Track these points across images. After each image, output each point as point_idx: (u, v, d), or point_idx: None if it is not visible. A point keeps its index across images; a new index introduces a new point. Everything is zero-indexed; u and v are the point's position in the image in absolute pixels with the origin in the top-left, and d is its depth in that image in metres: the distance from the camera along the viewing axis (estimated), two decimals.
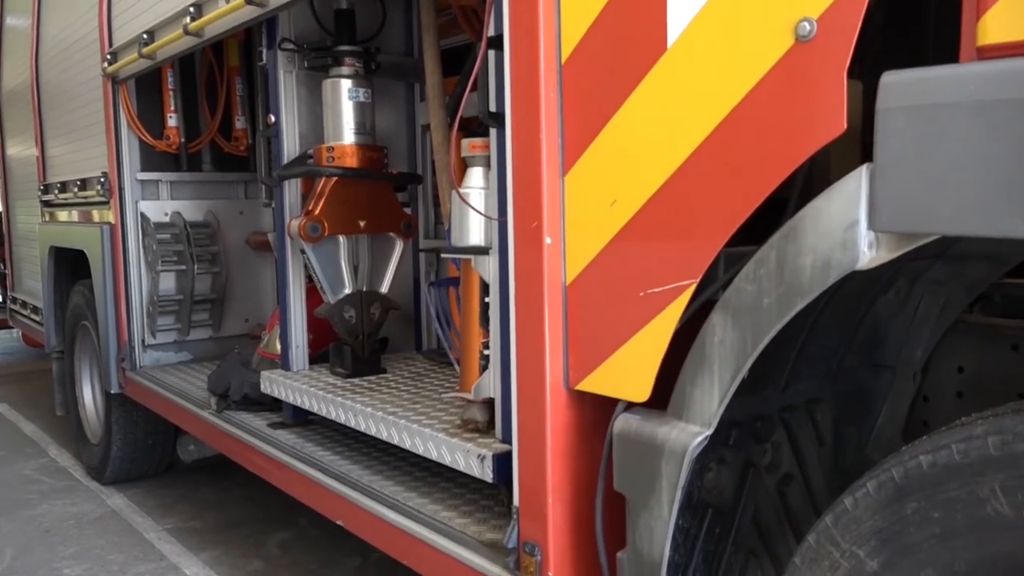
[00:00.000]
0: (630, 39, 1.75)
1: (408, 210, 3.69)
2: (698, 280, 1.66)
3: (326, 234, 3.23)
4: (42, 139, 6.08)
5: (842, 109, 1.40)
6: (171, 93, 4.78)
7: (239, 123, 5.00)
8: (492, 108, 2.19)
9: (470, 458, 2.33)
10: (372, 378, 3.33)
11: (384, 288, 3.46)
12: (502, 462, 2.24)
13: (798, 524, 2.03)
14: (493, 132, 2.27)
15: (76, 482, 5.52)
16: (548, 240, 1.92)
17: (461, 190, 2.43)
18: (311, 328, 3.52)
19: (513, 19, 1.96)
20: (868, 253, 1.38)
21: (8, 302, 7.49)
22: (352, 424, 2.87)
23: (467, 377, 2.47)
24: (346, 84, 3.26)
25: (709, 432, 1.65)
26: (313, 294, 3.48)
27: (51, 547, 4.50)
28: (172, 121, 4.79)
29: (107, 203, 4.84)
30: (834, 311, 1.84)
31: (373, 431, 2.76)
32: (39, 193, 6.07)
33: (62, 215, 5.74)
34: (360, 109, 3.29)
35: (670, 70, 1.68)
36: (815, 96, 1.44)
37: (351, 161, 3.25)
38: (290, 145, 3.40)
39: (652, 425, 1.75)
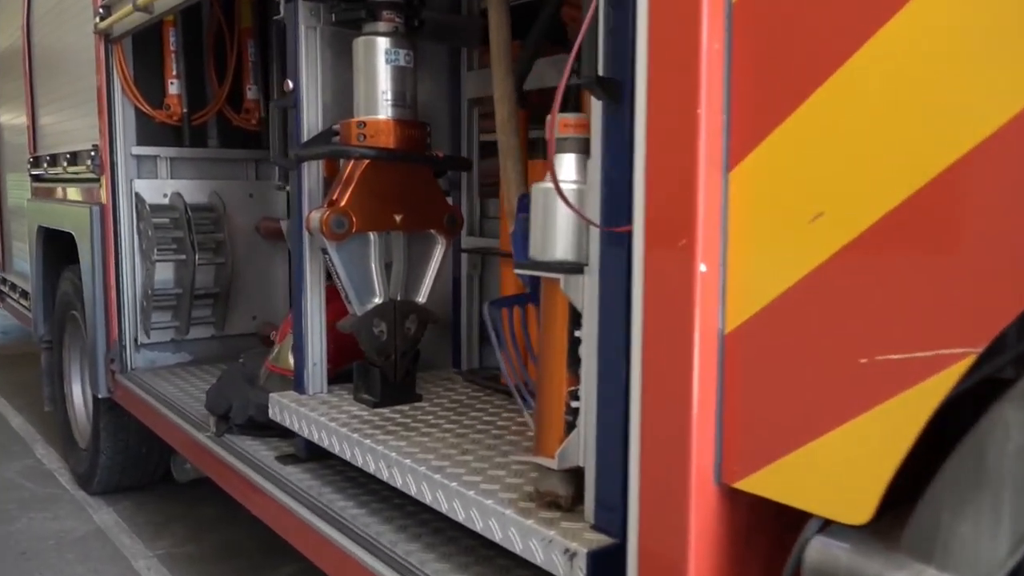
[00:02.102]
0: None
1: (449, 200, 3.04)
2: (982, 350, 1.02)
3: (354, 230, 2.60)
4: (33, 107, 5.46)
5: None
6: (173, 56, 4.14)
7: (251, 93, 4.36)
8: (601, 71, 1.57)
9: (552, 551, 1.71)
10: (406, 408, 2.71)
11: (422, 297, 2.83)
12: (601, 563, 1.62)
13: None
14: (596, 106, 1.63)
15: (61, 491, 4.94)
16: (703, 267, 1.29)
17: (547, 184, 1.79)
18: (332, 340, 2.90)
19: None
20: None
21: None
22: (384, 477, 2.25)
23: (545, 435, 1.84)
24: (383, 44, 2.62)
25: None
26: (334, 298, 2.86)
27: (26, 574, 3.92)
28: (174, 88, 4.16)
29: (98, 180, 4.22)
30: None
31: (413, 491, 2.14)
32: (28, 166, 5.46)
33: (54, 191, 5.13)
34: (400, 75, 2.65)
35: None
36: None
37: (387, 140, 2.61)
38: (311, 118, 2.76)
39: (877, 566, 1.12)
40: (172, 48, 4.12)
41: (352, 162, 2.64)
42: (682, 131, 1.28)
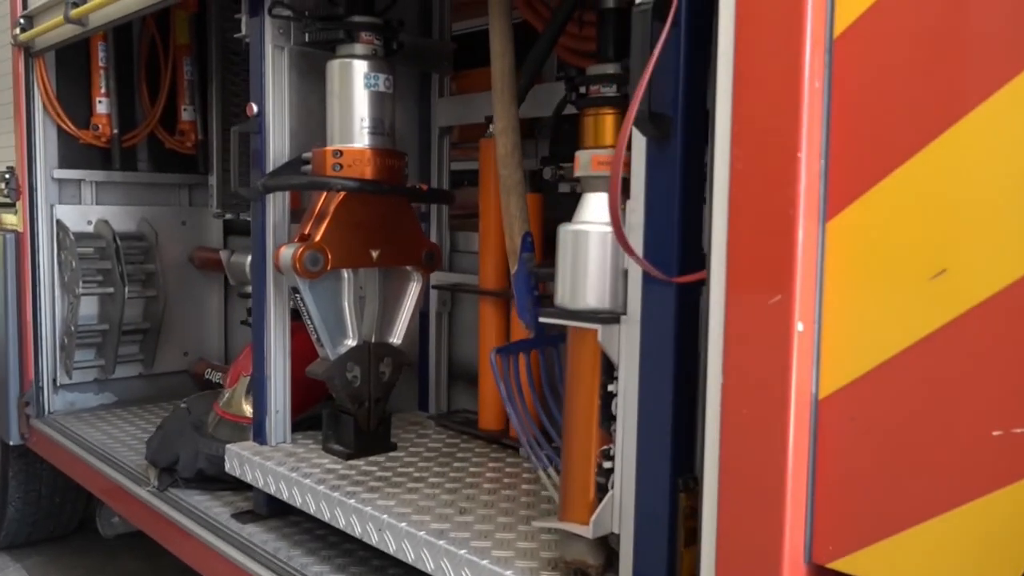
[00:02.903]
0: None
1: None
2: None
3: (329, 268, 2.39)
4: None
5: None
6: (102, 72, 3.82)
7: (186, 113, 4.07)
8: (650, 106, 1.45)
9: None
10: (382, 459, 2.50)
11: (396, 338, 2.63)
12: None
13: None
14: (640, 143, 1.51)
15: None
16: (800, 327, 1.17)
17: (577, 226, 1.65)
18: (292, 384, 2.67)
19: None
20: None
21: None
22: (373, 541, 2.05)
23: (573, 499, 1.68)
24: (361, 68, 2.43)
25: None
26: (297, 335, 2.63)
27: None
28: (102, 107, 3.84)
29: (13, 206, 3.85)
30: None
31: (410, 557, 1.94)
32: None
33: None
34: (379, 101, 2.46)
35: None
36: None
37: (365, 170, 2.42)
38: (277, 145, 2.55)
39: None
40: (101, 64, 3.80)
41: (325, 194, 2.44)
42: (779, 177, 1.16)
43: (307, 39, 2.45)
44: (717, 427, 1.27)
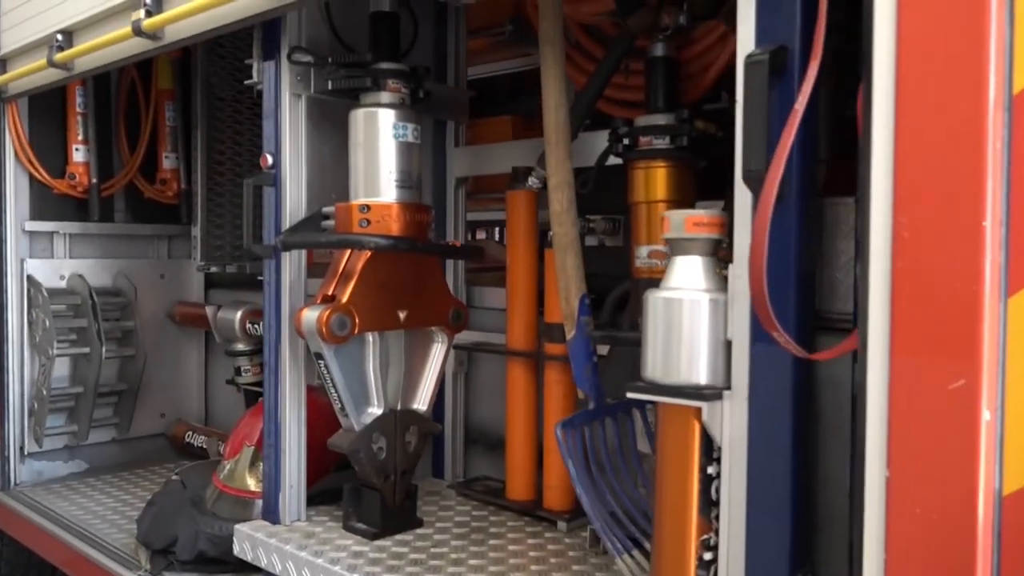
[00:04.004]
0: None
1: None
2: None
3: (356, 331, 2.21)
4: None
5: None
6: (80, 118, 3.59)
7: (167, 161, 3.86)
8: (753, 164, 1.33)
9: None
10: (410, 538, 2.30)
11: (422, 404, 2.45)
12: None
13: None
14: (744, 203, 1.39)
15: None
16: (987, 415, 1.04)
17: (668, 293, 1.51)
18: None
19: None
20: None
21: None
22: None
23: None
24: (389, 117, 2.28)
25: None
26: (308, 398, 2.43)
27: None
28: (79, 155, 3.60)
29: None
30: None
31: None
32: None
33: None
34: (407, 153, 2.31)
35: None
36: None
37: (393, 226, 2.26)
38: (293, 199, 2.37)
39: None
40: (80, 110, 3.58)
41: (350, 252, 2.27)
42: (961, 248, 1.04)
43: (330, 87, 2.29)
44: (880, 527, 1.13)
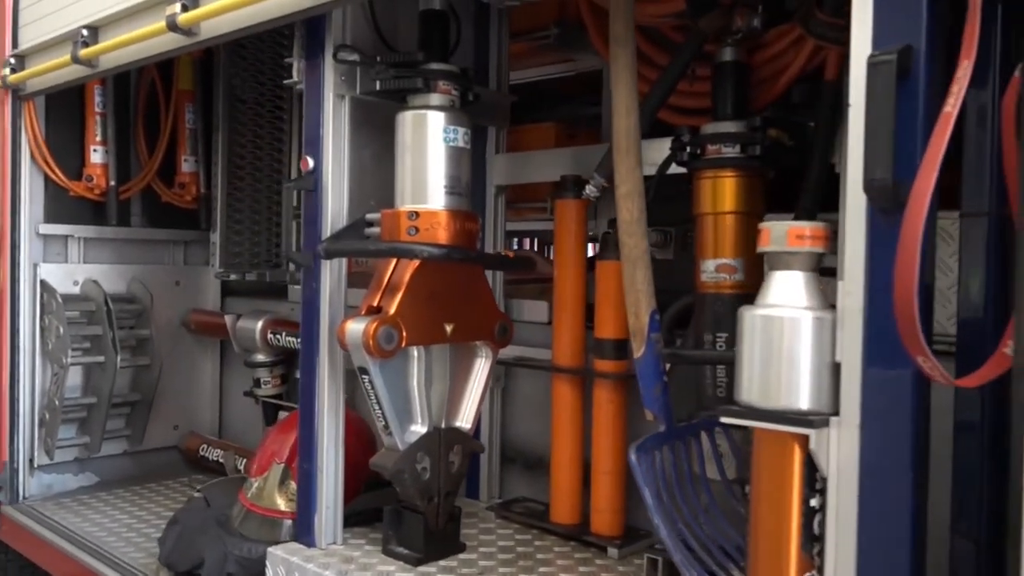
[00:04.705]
0: None
1: None
2: None
3: (403, 345, 2.09)
4: None
5: None
6: (98, 119, 3.47)
7: (186, 165, 3.74)
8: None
9: None
10: (454, 563, 2.19)
11: (465, 421, 2.33)
12: None
13: None
14: (857, 214, 1.28)
15: None
16: None
17: (766, 311, 1.40)
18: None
19: None
20: None
21: None
22: None
23: None
24: (438, 120, 2.18)
25: None
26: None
27: None
28: (97, 156, 3.48)
29: None
30: None
31: None
32: None
33: None
34: (456, 158, 2.21)
35: None
36: None
37: (443, 235, 2.15)
38: (335, 204, 2.26)
39: None
40: (98, 110, 3.46)
41: (396, 261, 2.16)
42: None
43: (378, 87, 2.18)
44: None
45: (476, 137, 2.72)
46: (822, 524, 1.37)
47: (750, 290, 1.98)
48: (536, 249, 5.56)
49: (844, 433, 1.33)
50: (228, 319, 3.52)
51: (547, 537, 2.42)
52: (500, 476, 2.79)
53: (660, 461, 1.77)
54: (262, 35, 3.46)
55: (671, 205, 2.23)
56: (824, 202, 2.00)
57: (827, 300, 1.40)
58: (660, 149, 2.13)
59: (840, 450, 1.33)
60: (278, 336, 3.35)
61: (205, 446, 3.72)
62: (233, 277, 3.61)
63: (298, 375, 3.36)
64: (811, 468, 1.38)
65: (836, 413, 1.34)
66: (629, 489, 2.35)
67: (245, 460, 3.39)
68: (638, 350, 1.81)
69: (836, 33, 1.88)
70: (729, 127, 1.97)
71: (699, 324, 2.03)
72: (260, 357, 3.44)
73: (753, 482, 1.45)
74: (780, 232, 1.41)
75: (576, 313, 2.42)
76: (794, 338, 1.38)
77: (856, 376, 1.31)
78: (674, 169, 2.13)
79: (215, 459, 3.64)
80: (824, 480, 1.36)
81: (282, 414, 3.45)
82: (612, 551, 2.27)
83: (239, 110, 3.63)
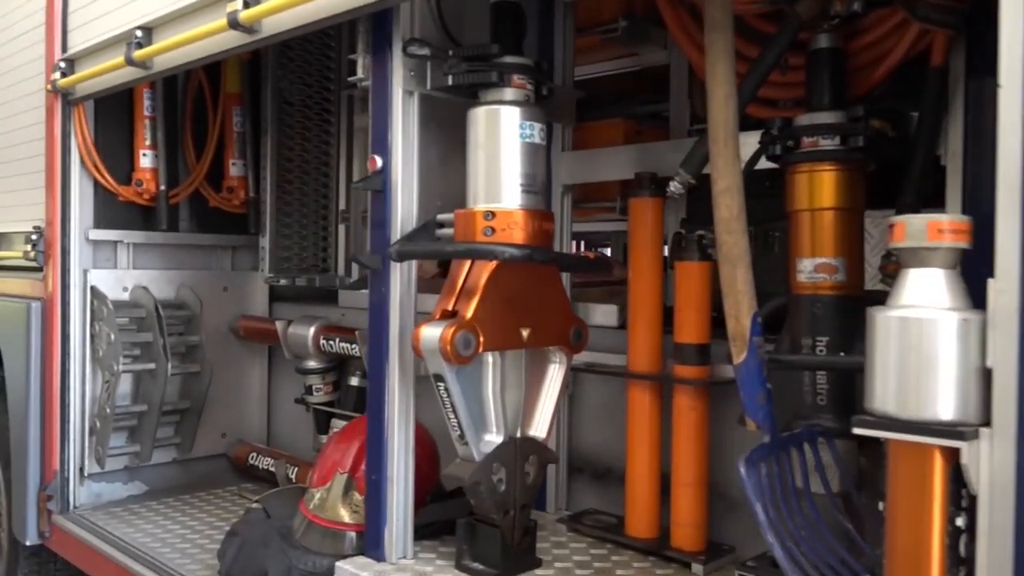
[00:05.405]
0: None
1: None
2: None
3: (481, 350, 2.00)
4: None
5: None
6: (148, 122, 3.42)
7: (234, 168, 3.68)
8: None
9: None
10: None
11: (539, 431, 2.23)
12: None
13: None
14: (1013, 204, 1.17)
15: None
16: None
17: (902, 312, 1.29)
18: None
19: None
20: None
21: None
22: None
23: None
24: (513, 115, 2.08)
25: None
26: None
27: None
28: (147, 161, 3.43)
29: (40, 270, 3.40)
30: None
31: None
32: None
33: None
34: (533, 155, 2.11)
35: None
36: None
37: (519, 235, 2.05)
38: (405, 205, 2.17)
39: None
40: (147, 113, 3.41)
41: (471, 263, 2.06)
42: None
43: (450, 82, 2.09)
44: None
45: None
46: (969, 545, 1.26)
47: (852, 291, 1.89)
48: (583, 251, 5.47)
49: (998, 445, 1.21)
50: (279, 325, 3.45)
51: (623, 552, 2.31)
52: (568, 487, 2.69)
53: (766, 474, 1.66)
54: (309, 36, 3.40)
55: (751, 202, 2.12)
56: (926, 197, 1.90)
57: (971, 300, 1.29)
58: (747, 144, 2.03)
59: (993, 464, 1.22)
60: (331, 342, 3.27)
61: (255, 454, 3.65)
62: (283, 282, 3.55)
63: (351, 382, 3.36)
64: (956, 483, 1.26)
65: (987, 424, 1.23)
66: (711, 502, 2.24)
67: (296, 469, 3.32)
68: (739, 355, 1.70)
69: (944, 16, 1.76)
70: (827, 118, 1.86)
71: (795, 327, 1.92)
72: (312, 364, 3.36)
73: (889, 499, 1.34)
74: (919, 226, 1.30)
75: (653, 316, 2.32)
76: (936, 342, 1.27)
77: (1012, 383, 1.20)
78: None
79: (265, 468, 3.57)
80: (972, 497, 1.25)
81: (334, 422, 3.38)
82: (697, 567, 2.16)
83: (287, 112, 3.57)
